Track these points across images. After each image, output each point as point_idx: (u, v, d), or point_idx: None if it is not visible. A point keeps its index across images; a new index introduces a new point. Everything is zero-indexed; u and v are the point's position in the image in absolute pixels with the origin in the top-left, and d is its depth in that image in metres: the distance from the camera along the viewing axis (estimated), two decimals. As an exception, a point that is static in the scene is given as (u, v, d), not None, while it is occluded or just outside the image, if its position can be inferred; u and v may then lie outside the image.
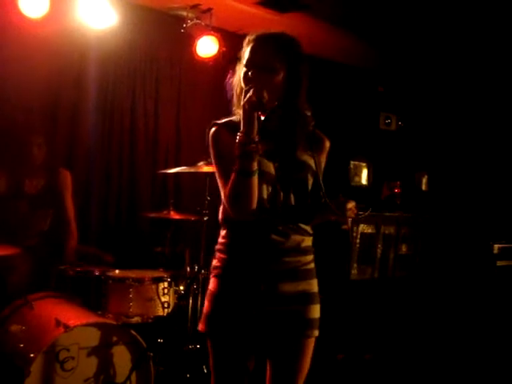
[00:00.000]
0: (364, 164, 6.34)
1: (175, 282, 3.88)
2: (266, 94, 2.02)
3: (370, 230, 5.16)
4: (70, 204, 4.16)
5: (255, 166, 2.01)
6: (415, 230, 5.54)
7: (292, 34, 2.25)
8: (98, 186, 4.91)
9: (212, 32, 4.97)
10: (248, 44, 2.18)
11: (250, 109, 1.99)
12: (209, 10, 5.00)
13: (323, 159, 2.31)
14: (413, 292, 5.34)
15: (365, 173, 6.33)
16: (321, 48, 5.59)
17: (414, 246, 5.54)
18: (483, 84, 5.83)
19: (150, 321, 3.72)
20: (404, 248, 5.49)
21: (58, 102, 4.71)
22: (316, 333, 2.21)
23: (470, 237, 5.56)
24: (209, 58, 5.05)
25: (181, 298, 3.89)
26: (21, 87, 4.31)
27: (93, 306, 3.61)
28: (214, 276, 2.22)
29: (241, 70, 2.17)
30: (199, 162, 4.00)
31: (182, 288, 3.91)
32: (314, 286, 2.24)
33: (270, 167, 2.15)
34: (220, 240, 2.24)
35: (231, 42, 5.25)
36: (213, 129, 2.21)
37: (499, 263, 5.41)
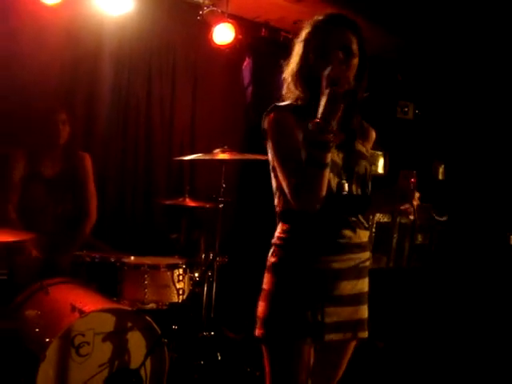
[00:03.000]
0: (380, 153, 6.31)
1: (190, 268, 3.88)
2: (351, 80, 1.93)
3: (385, 219, 5.14)
4: (91, 188, 4.14)
5: (329, 157, 1.86)
6: (431, 219, 5.50)
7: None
8: (114, 172, 4.91)
9: (228, 19, 4.95)
10: (319, 24, 2.09)
11: (339, 96, 1.84)
12: (227, -4, 4.98)
13: (369, 149, 2.24)
14: (428, 283, 5.32)
15: (381, 161, 6.29)
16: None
17: (430, 235, 5.51)
18: (500, 72, 5.76)
19: (164, 307, 3.72)
20: (420, 238, 5.46)
21: (75, 89, 4.70)
22: (366, 334, 2.14)
23: (487, 227, 5.52)
24: (225, 45, 5.03)
25: (196, 285, 3.89)
26: (38, 74, 4.32)
27: (108, 292, 3.61)
28: (271, 273, 2.09)
29: (305, 51, 2.08)
30: (215, 149, 3.98)
31: (197, 275, 3.91)
32: (367, 284, 2.16)
33: (337, 157, 2.04)
34: (279, 235, 2.10)
35: (247, 29, 5.25)
36: (274, 112, 2.10)
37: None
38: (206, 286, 3.99)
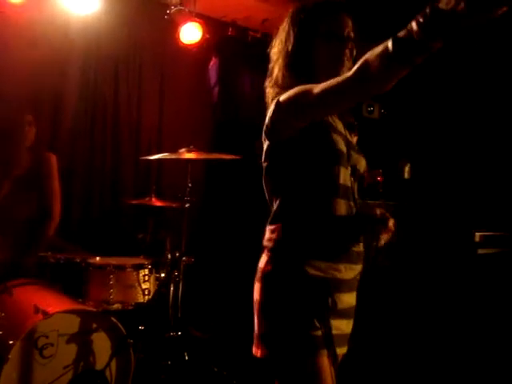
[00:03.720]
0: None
1: (156, 269, 3.88)
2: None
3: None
4: (55, 189, 4.07)
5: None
6: (398, 218, 5.54)
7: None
8: (81, 172, 4.89)
9: (195, 18, 4.94)
10: (327, 9, 1.96)
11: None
12: (194, -4, 4.98)
13: None
14: (396, 281, 5.36)
15: None
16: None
17: (397, 234, 5.54)
18: (465, 71, 5.84)
19: (130, 308, 3.71)
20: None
21: (41, 89, 4.67)
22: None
23: (452, 225, 5.59)
24: (192, 44, 5.03)
25: (162, 285, 3.88)
26: (2, 75, 4.27)
27: (73, 293, 3.59)
28: (267, 283, 1.86)
29: (307, 34, 1.94)
30: (181, 148, 3.98)
31: (163, 275, 3.91)
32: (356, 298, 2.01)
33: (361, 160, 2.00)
34: (277, 238, 1.87)
35: (215, 28, 5.25)
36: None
37: (480, 251, 5.43)
38: (172, 285, 3.98)
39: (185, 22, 4.93)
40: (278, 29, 2.06)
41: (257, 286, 1.90)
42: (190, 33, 4.97)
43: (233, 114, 5.65)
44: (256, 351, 1.87)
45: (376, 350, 4.60)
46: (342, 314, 1.88)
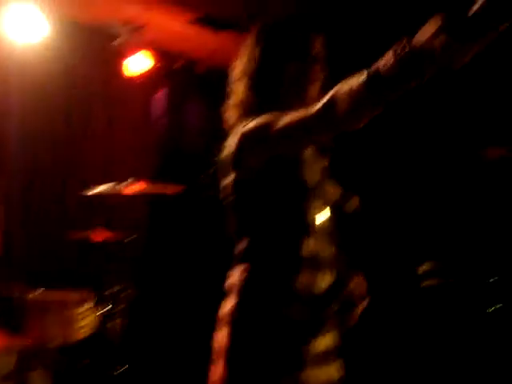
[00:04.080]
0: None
1: (98, 303, 3.81)
2: None
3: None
4: None
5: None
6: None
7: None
8: (21, 202, 4.77)
9: (144, 49, 4.93)
10: (287, 28, 1.89)
11: None
12: (142, 27, 4.96)
13: None
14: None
15: None
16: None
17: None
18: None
19: (72, 343, 3.62)
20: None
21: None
22: None
23: (395, 258, 5.66)
24: (140, 75, 5.01)
25: (105, 319, 3.81)
26: None
27: (11, 328, 3.49)
28: (229, 327, 1.73)
29: (268, 53, 1.86)
30: (126, 180, 3.94)
31: (105, 309, 3.84)
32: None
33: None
34: (242, 278, 1.76)
35: (163, 59, 5.24)
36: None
37: (424, 283, 5.50)
38: (115, 319, 3.91)
39: (133, 52, 4.91)
40: (237, 53, 1.96)
41: (224, 332, 1.74)
42: (139, 63, 4.94)
43: (179, 145, 5.62)
44: None
45: None
46: (319, 360, 1.74)
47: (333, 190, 1.91)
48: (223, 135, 1.92)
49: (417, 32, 1.30)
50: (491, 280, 4.74)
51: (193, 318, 4.47)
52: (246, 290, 1.74)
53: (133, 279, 3.85)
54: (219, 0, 4.69)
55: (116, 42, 4.86)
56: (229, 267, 1.86)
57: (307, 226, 1.76)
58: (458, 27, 1.19)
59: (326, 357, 1.76)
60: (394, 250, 5.70)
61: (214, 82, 5.42)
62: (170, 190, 3.95)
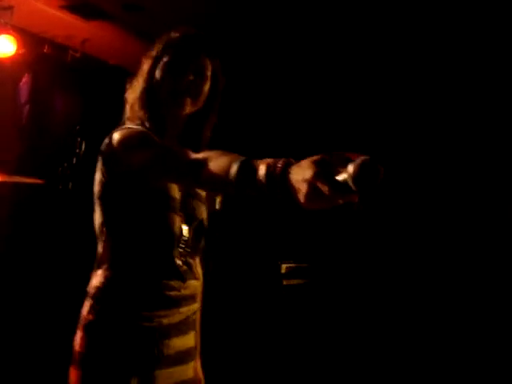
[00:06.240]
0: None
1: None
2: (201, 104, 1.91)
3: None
4: None
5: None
6: (207, 249, 5.57)
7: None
8: None
9: (11, 31, 4.68)
10: (173, 42, 1.91)
11: None
12: (10, 7, 4.70)
13: None
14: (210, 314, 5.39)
15: (219, 197, 6.28)
16: (130, 60, 5.48)
17: (206, 265, 5.58)
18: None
19: None
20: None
21: None
22: None
23: (260, 256, 5.76)
24: (4, 58, 4.74)
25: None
26: None
27: None
28: (87, 333, 1.74)
29: (153, 68, 1.90)
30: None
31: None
32: (195, 339, 1.95)
33: (177, 192, 1.88)
34: (99, 285, 1.78)
35: (31, 44, 5.00)
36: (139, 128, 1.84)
37: (285, 282, 5.64)
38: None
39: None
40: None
41: (78, 335, 1.76)
42: (4, 45, 4.68)
43: (42, 134, 5.35)
44: None
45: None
46: (174, 361, 1.80)
47: (198, 208, 1.94)
48: (94, 127, 1.91)
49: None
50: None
51: (55, 317, 4.32)
52: (98, 296, 1.77)
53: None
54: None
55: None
56: (92, 267, 1.86)
57: (171, 236, 1.81)
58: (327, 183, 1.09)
59: (183, 357, 1.83)
60: (258, 251, 5.81)
61: (83, 70, 5.25)
62: (28, 180, 3.76)
